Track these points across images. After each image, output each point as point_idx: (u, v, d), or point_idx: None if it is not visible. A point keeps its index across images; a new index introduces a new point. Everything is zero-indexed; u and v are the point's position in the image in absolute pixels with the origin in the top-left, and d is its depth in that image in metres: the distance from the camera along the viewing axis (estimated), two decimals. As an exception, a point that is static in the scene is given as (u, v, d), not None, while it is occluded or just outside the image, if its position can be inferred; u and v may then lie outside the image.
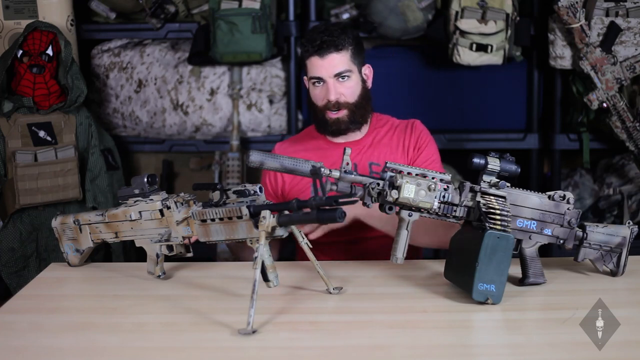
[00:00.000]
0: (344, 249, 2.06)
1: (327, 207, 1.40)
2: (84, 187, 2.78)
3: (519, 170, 1.64)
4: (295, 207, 1.44)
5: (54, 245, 2.72)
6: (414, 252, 2.05)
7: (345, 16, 3.01)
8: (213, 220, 1.58)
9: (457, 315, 1.52)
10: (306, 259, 1.65)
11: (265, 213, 1.46)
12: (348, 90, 2.02)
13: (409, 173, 1.59)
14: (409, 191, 1.57)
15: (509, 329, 1.49)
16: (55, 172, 2.70)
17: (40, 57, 2.70)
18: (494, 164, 1.61)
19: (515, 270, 1.67)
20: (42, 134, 2.69)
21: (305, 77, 2.09)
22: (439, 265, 1.77)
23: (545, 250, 1.80)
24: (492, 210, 1.56)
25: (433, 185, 1.58)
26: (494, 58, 2.87)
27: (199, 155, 3.27)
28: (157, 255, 1.73)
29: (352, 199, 1.44)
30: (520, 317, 1.52)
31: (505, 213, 1.56)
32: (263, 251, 1.46)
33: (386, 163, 1.60)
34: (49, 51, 2.71)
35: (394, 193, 1.57)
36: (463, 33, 2.84)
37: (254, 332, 1.40)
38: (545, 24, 2.94)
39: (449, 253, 1.67)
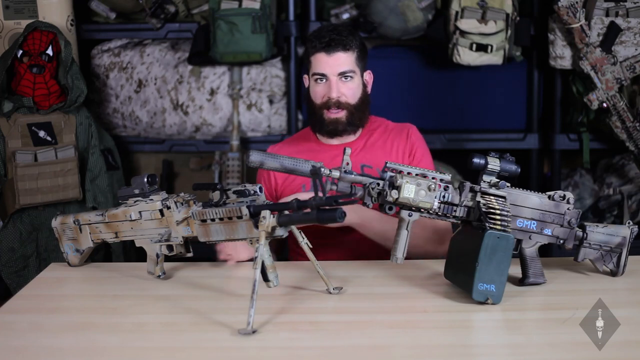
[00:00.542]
0: (344, 248, 2.06)
1: (327, 207, 1.40)
2: (84, 187, 2.78)
3: (519, 170, 1.64)
4: (295, 207, 1.44)
5: (54, 245, 2.72)
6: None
7: (345, 16, 3.01)
8: (213, 220, 1.58)
9: (457, 315, 1.52)
10: (301, 259, 1.65)
11: (265, 213, 1.47)
12: (350, 91, 2.03)
13: (409, 173, 1.60)
14: (409, 191, 1.57)
15: (509, 329, 1.49)
16: (55, 172, 2.70)
17: (40, 57, 2.70)
18: (494, 164, 1.61)
19: (515, 270, 1.67)
20: (42, 134, 2.70)
21: (305, 75, 2.09)
22: (439, 265, 1.77)
23: (545, 250, 1.80)
24: (492, 210, 1.56)
25: (433, 185, 1.58)
26: (494, 58, 2.87)
27: (199, 155, 3.27)
28: (157, 255, 1.73)
29: (352, 198, 1.44)
30: (520, 317, 1.52)
31: (505, 213, 1.56)
32: (263, 251, 1.46)
33: (386, 163, 1.60)
34: (49, 51, 2.71)
35: (394, 193, 1.57)
36: (463, 33, 2.84)
37: (254, 332, 1.40)
38: (545, 24, 2.94)
39: (449, 253, 1.67)
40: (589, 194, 3.13)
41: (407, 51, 3.15)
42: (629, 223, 1.74)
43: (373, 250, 2.00)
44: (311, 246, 1.63)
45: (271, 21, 2.94)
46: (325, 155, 2.06)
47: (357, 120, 2.07)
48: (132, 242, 1.78)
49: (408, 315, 1.53)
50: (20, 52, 2.70)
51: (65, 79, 2.73)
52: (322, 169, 1.56)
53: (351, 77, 2.03)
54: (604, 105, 2.84)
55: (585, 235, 1.71)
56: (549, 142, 3.09)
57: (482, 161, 1.60)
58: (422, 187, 1.58)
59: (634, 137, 2.85)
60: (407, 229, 1.60)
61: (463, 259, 1.58)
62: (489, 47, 2.84)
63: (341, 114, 2.04)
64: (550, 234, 1.68)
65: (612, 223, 2.99)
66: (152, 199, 1.72)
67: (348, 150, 1.60)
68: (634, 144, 2.87)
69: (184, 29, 3.09)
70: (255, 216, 1.50)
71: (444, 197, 1.60)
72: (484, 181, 1.61)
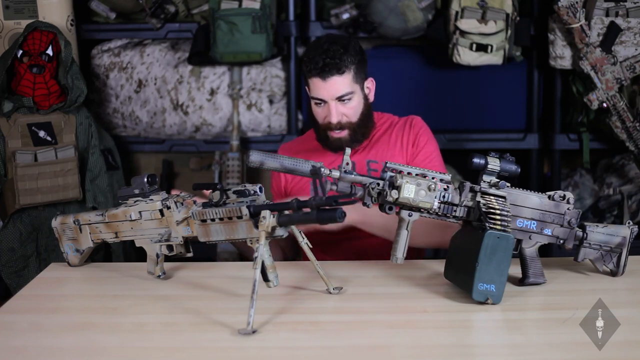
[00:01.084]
0: (344, 247, 2.06)
1: (327, 207, 1.40)
2: (84, 187, 2.78)
3: (519, 170, 1.64)
4: (295, 207, 1.44)
5: (54, 245, 2.72)
6: (416, 253, 2.05)
7: (345, 16, 3.01)
8: (213, 220, 1.58)
9: (457, 315, 1.52)
10: (306, 258, 1.65)
11: (265, 213, 1.47)
12: (350, 111, 2.03)
13: (409, 173, 1.60)
14: (409, 191, 1.57)
15: (509, 329, 1.49)
16: (55, 172, 2.70)
17: (40, 57, 2.70)
18: (494, 164, 1.61)
19: (515, 270, 1.67)
20: (42, 134, 2.70)
21: (307, 87, 2.09)
22: (439, 265, 1.77)
23: (545, 250, 1.80)
24: (492, 210, 1.56)
25: (433, 185, 1.58)
26: (494, 58, 2.87)
27: (199, 155, 3.27)
28: (157, 255, 1.73)
29: (352, 198, 1.44)
30: (520, 317, 1.52)
31: (505, 213, 1.56)
32: (263, 251, 1.46)
33: (386, 163, 1.60)
34: (49, 51, 2.71)
35: (394, 193, 1.57)
36: (463, 33, 2.84)
37: (254, 332, 1.40)
38: (545, 24, 2.94)
39: (449, 253, 1.67)
40: (589, 194, 3.13)
41: (407, 51, 3.15)
42: (629, 223, 1.74)
43: (373, 250, 2.00)
44: (311, 246, 1.63)
45: (271, 21, 2.94)
46: (332, 153, 2.09)
47: (361, 136, 2.07)
48: (132, 242, 1.78)
49: (408, 315, 1.53)
50: (20, 52, 2.70)
51: (65, 79, 2.73)
52: (322, 169, 1.57)
53: (349, 98, 2.01)
54: (604, 105, 2.84)
55: (585, 235, 1.71)
56: (549, 142, 3.09)
57: (482, 161, 1.60)
58: (422, 187, 1.58)
59: (634, 137, 2.85)
60: (407, 229, 1.60)
61: (463, 259, 1.58)
62: (489, 47, 2.84)
63: (344, 134, 2.04)
64: (550, 234, 1.68)
65: (612, 223, 2.99)
66: (152, 199, 1.72)
67: (348, 150, 1.60)
68: (634, 144, 2.87)
69: (184, 29, 3.09)
70: (255, 216, 1.50)
71: (444, 197, 1.60)
72: (484, 181, 1.61)
